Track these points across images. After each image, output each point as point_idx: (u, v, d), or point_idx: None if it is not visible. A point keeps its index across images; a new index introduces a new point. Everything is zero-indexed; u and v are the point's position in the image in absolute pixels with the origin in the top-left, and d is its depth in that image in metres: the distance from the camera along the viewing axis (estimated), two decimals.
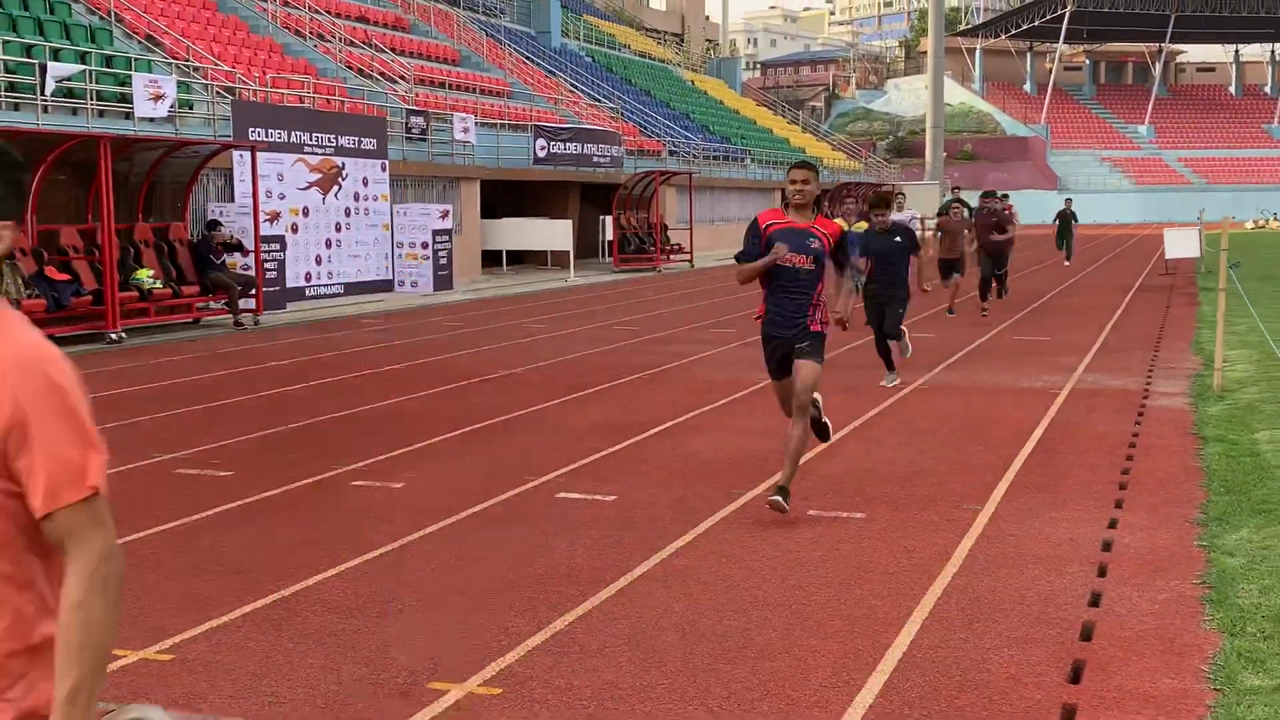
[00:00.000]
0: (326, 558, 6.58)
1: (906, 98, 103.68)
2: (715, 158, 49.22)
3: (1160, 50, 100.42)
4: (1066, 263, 34.03)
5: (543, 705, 4.61)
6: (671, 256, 36.86)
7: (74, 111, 21.19)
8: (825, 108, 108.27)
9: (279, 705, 4.63)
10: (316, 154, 24.00)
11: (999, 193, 26.82)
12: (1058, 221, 34.97)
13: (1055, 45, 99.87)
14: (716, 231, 45.58)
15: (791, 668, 4.96)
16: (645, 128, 47.80)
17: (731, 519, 7.35)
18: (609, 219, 35.57)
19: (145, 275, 18.36)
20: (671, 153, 46.62)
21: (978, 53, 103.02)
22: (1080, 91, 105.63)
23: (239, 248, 19.88)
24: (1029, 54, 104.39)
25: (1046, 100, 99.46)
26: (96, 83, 21.86)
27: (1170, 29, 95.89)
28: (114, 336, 17.23)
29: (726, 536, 6.97)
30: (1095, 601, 5.75)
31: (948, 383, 12.82)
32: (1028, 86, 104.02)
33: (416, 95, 32.91)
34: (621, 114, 46.21)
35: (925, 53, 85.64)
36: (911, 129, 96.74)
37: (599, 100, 46.58)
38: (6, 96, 20.07)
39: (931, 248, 20.56)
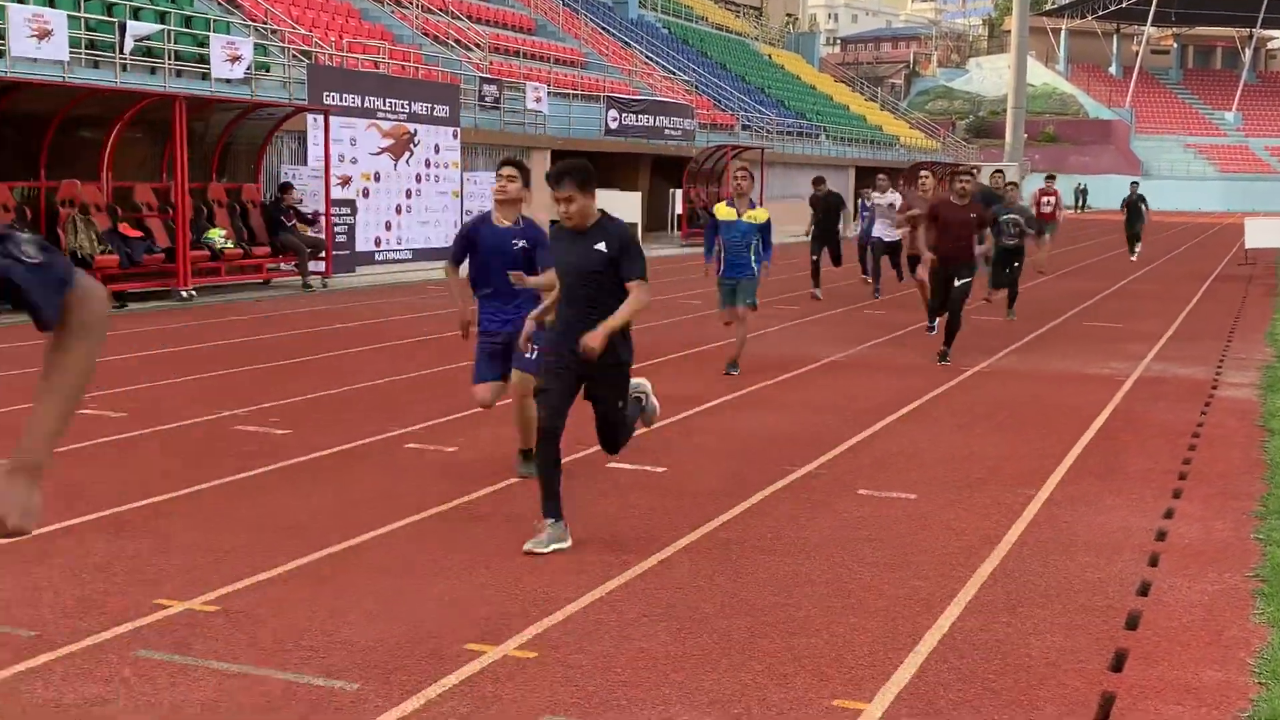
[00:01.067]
0: (377, 517, 6.64)
1: (989, 77, 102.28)
2: (789, 133, 48.87)
3: (1250, 36, 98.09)
4: (1133, 258, 29.99)
5: (576, 670, 4.62)
6: None
7: (152, 71, 21.46)
8: (905, 85, 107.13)
9: (317, 660, 4.68)
10: (389, 120, 24.14)
11: (1045, 174, 25.24)
12: (1125, 209, 30.85)
13: (1143, 28, 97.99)
14: (788, 208, 45.21)
15: (828, 644, 4.93)
16: (719, 101, 47.55)
17: (782, 494, 7.32)
18: (679, 192, 35.47)
19: (217, 235, 18.60)
20: (745, 127, 46.36)
21: (1063, 33, 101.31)
22: (1167, 76, 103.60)
23: (310, 221, 20.08)
24: (1115, 36, 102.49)
25: (1132, 84, 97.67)
26: (175, 43, 22.12)
27: (1262, 14, 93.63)
28: (184, 294, 17.48)
29: (775, 512, 6.94)
30: (1144, 590, 5.66)
31: (1011, 367, 12.65)
32: (1113, 69, 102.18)
33: (491, 63, 32.98)
34: (696, 87, 45.99)
35: (1009, 31, 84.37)
36: (992, 109, 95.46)
37: (674, 73, 46.38)
38: (86, 54, 20.37)
39: (905, 239, 17.54)
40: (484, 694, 4.41)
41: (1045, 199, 24.90)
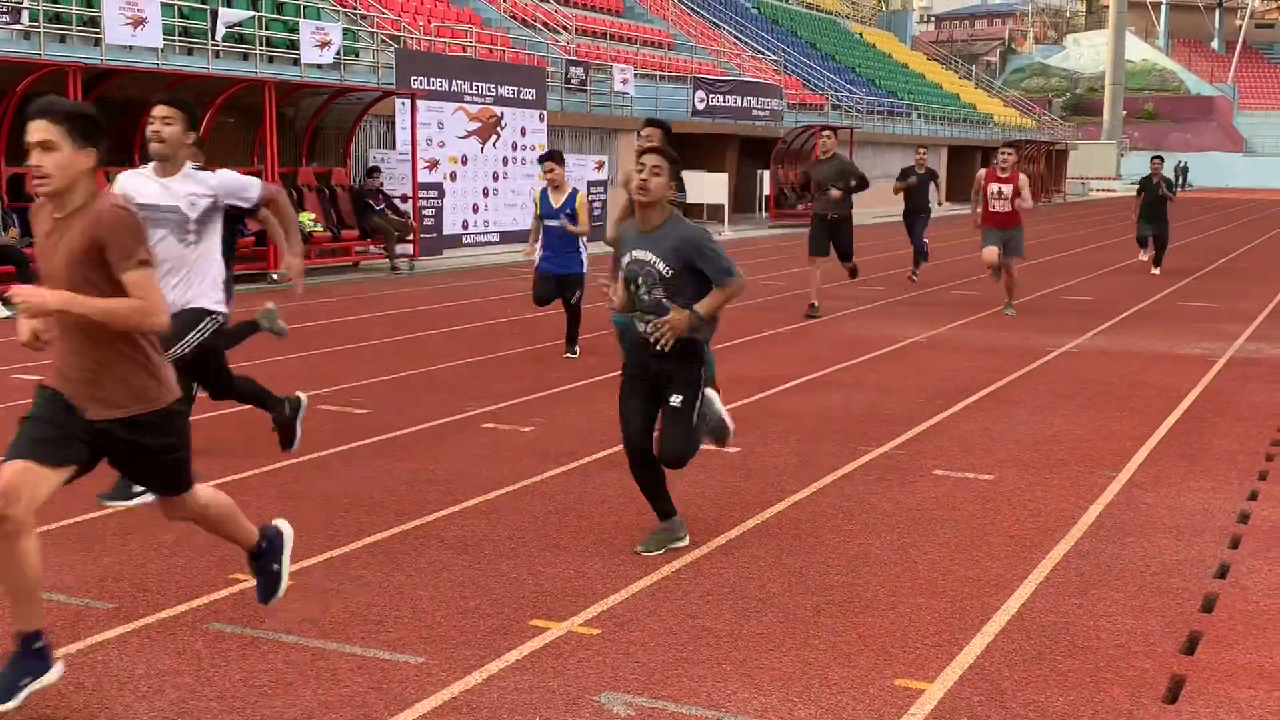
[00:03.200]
0: (449, 495, 6.71)
1: (1086, 54, 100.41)
2: (880, 112, 48.36)
3: None
4: (1155, 270, 20.48)
5: (638, 647, 4.64)
6: None
7: (244, 57, 21.83)
8: (1000, 63, 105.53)
9: (385, 633, 4.75)
10: (476, 103, 24.30)
11: (1002, 148, 14.92)
12: (1140, 195, 20.75)
13: (1246, 1, 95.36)
14: (877, 188, 44.81)
15: (894, 624, 4.90)
16: (809, 81, 47.19)
17: (854, 475, 7.27)
18: (766, 173, 35.31)
19: (307, 218, 18.86)
20: (835, 107, 45.97)
21: (1163, 8, 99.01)
22: (1272, 50, 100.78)
23: (395, 210, 20.27)
24: (1218, 10, 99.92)
25: (1235, 58, 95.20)
26: (266, 29, 22.47)
27: None
28: (275, 277, 17.76)
29: (846, 492, 6.89)
30: (1223, 573, 5.54)
31: (1099, 346, 12.43)
32: (1215, 44, 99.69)
33: (578, 46, 33.04)
34: (785, 67, 45.68)
35: (1108, 6, 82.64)
36: (1090, 86, 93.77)
37: (762, 53, 46.11)
38: (180, 41, 20.76)
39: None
40: (546, 669, 4.44)
41: (996, 189, 14.53)
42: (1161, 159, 21.33)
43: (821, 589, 5.29)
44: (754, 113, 36.19)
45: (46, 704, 4.09)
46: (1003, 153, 15.00)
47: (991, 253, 14.49)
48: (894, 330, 13.41)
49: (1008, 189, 14.54)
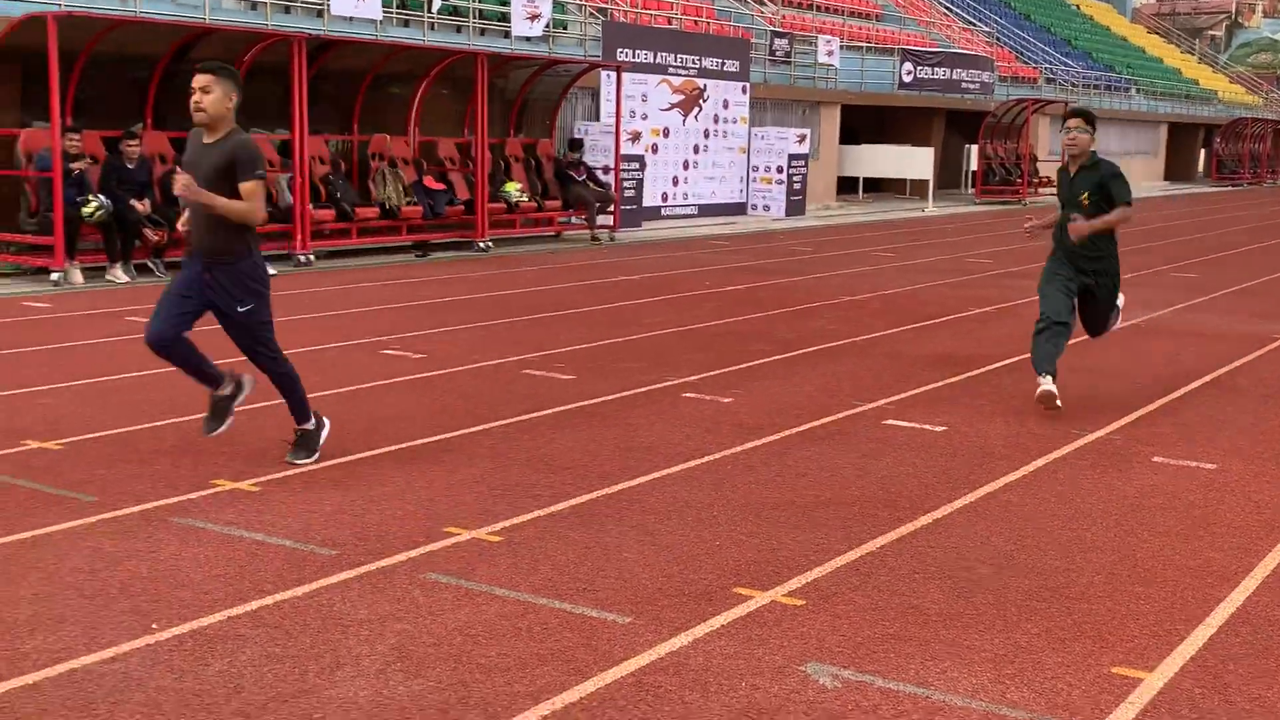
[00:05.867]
0: (650, 462, 6.77)
1: None
2: (1096, 87, 46.65)
3: None
4: (1047, 394, 8.00)
5: (844, 620, 4.60)
6: (1039, 190, 35.36)
7: (457, 29, 22.32)
8: (1226, 37, 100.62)
9: (591, 592, 4.83)
10: (680, 75, 24.36)
11: None
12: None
13: None
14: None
15: (1111, 612, 4.74)
16: (1021, 53, 45.80)
17: (1068, 459, 7.06)
18: (974, 148, 34.47)
19: (513, 188, 19.23)
20: (1048, 80, 44.55)
21: None
22: None
23: (597, 181, 20.43)
24: None
25: None
26: (479, 2, 22.92)
27: None
28: (482, 245, 18.18)
29: (1059, 476, 6.70)
30: None
31: None
32: None
33: (783, 17, 32.77)
34: (997, 39, 44.44)
35: None
36: None
37: (974, 24, 44.94)
38: (398, 14, 21.35)
39: None
40: (751, 636, 4.45)
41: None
42: (1084, 114, 8.34)
43: (1034, 573, 5.16)
44: (963, 85, 35.35)
45: (275, 642, 4.29)
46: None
47: None
48: None
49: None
